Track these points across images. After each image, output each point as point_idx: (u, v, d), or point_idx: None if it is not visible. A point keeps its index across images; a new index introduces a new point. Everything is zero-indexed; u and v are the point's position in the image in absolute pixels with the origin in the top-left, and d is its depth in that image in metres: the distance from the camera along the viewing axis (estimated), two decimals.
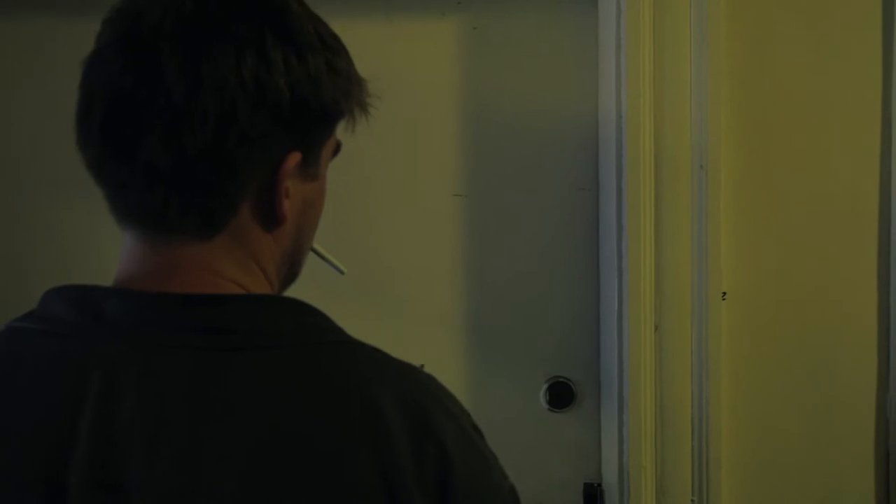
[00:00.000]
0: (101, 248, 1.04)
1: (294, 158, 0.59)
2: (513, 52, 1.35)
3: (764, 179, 1.31)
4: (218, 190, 0.58)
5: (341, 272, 0.80)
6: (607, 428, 1.40)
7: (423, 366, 0.71)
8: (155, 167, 0.56)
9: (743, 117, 1.30)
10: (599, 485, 1.41)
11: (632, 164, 1.28)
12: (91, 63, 0.59)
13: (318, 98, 0.59)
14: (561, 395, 1.40)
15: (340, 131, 0.64)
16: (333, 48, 0.61)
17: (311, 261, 0.71)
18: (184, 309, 0.58)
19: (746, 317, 1.33)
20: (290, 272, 0.66)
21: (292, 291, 0.67)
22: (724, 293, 1.31)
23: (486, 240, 1.38)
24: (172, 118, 0.55)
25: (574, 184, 1.38)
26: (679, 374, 1.32)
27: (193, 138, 0.55)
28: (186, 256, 0.59)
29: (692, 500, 1.29)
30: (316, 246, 0.71)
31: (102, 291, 0.59)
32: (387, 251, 1.37)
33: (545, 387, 1.39)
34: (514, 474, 0.64)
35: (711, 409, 1.32)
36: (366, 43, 0.88)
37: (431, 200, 1.37)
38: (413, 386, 0.60)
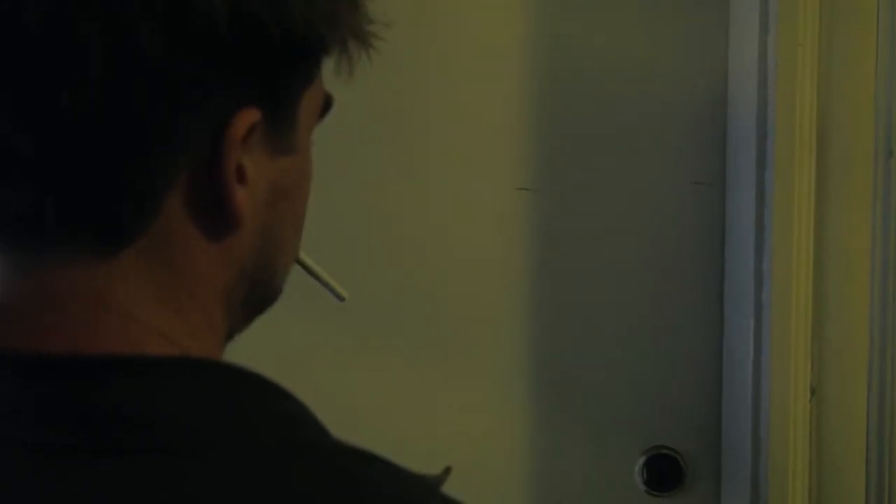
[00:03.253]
0: None
1: (247, 118, 0.50)
2: None
3: None
4: (120, 175, 0.48)
5: (341, 298, 0.76)
6: None
7: (448, 470, 0.71)
8: (9, 142, 0.47)
9: None
10: None
11: (781, 150, 1.14)
12: None
13: (278, 17, 0.49)
14: (664, 474, 1.28)
15: (329, 78, 0.56)
16: None
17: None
18: (29, 380, 0.48)
19: None
20: (255, 299, 0.57)
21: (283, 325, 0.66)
22: None
23: (560, 252, 1.30)
24: (30, 60, 0.46)
25: (688, 176, 1.28)
26: (849, 459, 1.17)
27: (67, 89, 0.46)
28: (70, 284, 0.49)
29: None
30: (304, 257, 0.67)
31: None
32: (428, 265, 1.32)
33: (642, 461, 1.29)
34: None
35: None
36: None
37: (488, 196, 1.30)
38: None
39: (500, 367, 1.31)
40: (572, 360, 1.30)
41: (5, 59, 0.47)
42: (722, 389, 1.28)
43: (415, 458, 0.53)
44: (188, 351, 0.52)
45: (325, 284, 0.75)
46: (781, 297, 1.15)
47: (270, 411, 0.51)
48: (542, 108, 1.29)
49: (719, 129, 1.27)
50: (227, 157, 0.51)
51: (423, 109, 1.32)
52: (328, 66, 0.57)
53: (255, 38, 0.50)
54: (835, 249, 1.16)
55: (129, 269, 0.51)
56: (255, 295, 0.58)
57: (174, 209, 0.51)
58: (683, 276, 1.28)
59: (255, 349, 0.63)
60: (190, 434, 0.48)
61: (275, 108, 0.53)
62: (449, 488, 0.58)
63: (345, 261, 1.24)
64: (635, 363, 1.29)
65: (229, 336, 0.58)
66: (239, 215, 0.52)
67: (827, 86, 1.14)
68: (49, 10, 0.46)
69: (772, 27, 1.14)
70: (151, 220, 0.51)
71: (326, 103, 0.60)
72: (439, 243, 1.32)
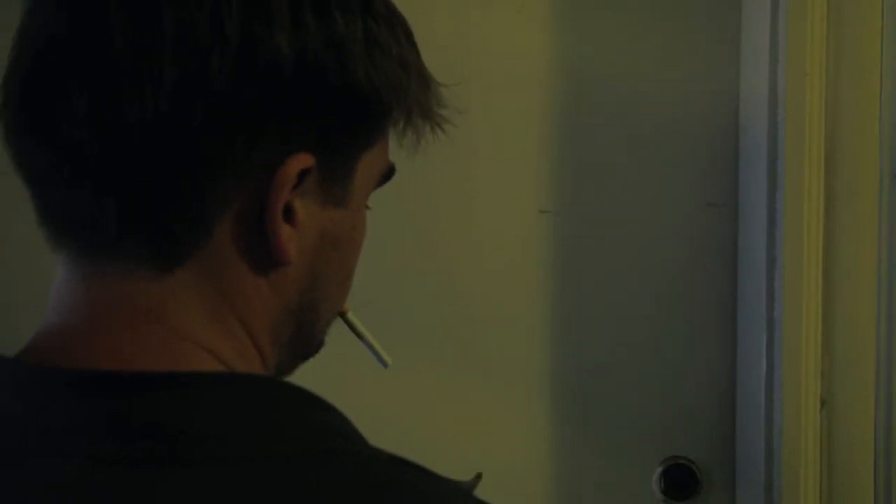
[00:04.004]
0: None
1: (300, 162, 0.51)
2: (618, 19, 1.29)
3: None
4: (177, 194, 0.49)
5: (385, 364, 0.75)
6: None
7: (479, 477, 0.70)
8: (79, 146, 0.49)
9: None
10: None
11: (791, 172, 1.14)
12: (30, 2, 0.53)
13: (342, 73, 0.51)
14: (681, 483, 1.28)
15: (395, 151, 0.58)
16: (382, 17, 0.54)
17: None
18: (91, 396, 0.48)
19: None
20: (298, 340, 0.57)
21: None
22: None
23: (579, 271, 1.31)
24: (110, 74, 0.48)
25: (702, 198, 1.29)
26: (858, 470, 1.17)
27: (136, 106, 0.48)
28: (128, 298, 0.51)
29: None
30: (352, 317, 0.68)
31: None
32: (449, 283, 1.32)
33: (660, 470, 1.28)
34: None
35: None
36: (420, 13, 0.75)
37: (510, 219, 1.31)
38: None
39: (523, 380, 1.31)
40: (592, 374, 1.31)
41: (90, 74, 0.49)
42: (736, 402, 1.28)
43: (437, 465, 0.54)
44: (235, 369, 0.53)
45: (370, 347, 0.74)
46: (792, 313, 1.15)
47: (316, 423, 0.52)
48: (562, 134, 1.30)
49: (732, 153, 1.27)
50: (277, 195, 0.51)
51: (451, 138, 1.27)
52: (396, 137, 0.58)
53: (317, 88, 0.51)
54: (843, 267, 1.16)
55: (181, 288, 0.52)
56: (300, 338, 0.58)
57: (225, 236, 0.52)
58: (698, 293, 1.29)
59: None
60: (244, 445, 0.49)
61: (330, 160, 0.53)
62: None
63: (379, 279, 1.23)
64: (653, 377, 1.29)
65: (277, 374, 0.58)
66: (284, 252, 0.52)
67: (834, 112, 1.14)
68: (133, 35, 0.48)
69: (781, 57, 1.14)
70: (203, 243, 0.51)
71: (389, 172, 0.60)
72: (469, 260, 1.33)
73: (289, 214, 0.52)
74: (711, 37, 1.25)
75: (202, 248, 0.51)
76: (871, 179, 1.14)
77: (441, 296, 1.31)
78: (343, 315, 0.67)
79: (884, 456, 1.15)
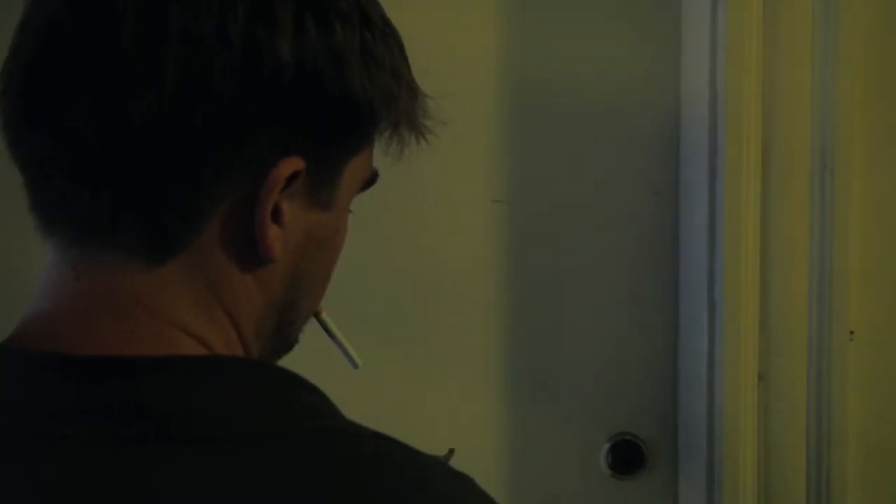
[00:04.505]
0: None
1: (291, 165, 0.51)
2: (565, 17, 1.28)
3: None
4: (172, 189, 0.49)
5: (355, 365, 0.74)
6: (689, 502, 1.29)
7: (451, 452, 0.67)
8: (81, 139, 0.49)
9: (884, 102, 1.18)
10: None
11: (731, 163, 1.15)
12: None
13: (339, 82, 0.51)
14: (627, 458, 1.30)
15: (378, 156, 0.58)
16: (379, 30, 0.54)
17: None
18: (83, 380, 0.49)
19: (882, 364, 1.21)
20: (280, 335, 0.58)
21: None
22: (852, 332, 1.20)
23: (532, 258, 1.32)
24: (115, 71, 0.48)
25: (647, 187, 1.29)
26: (791, 439, 1.19)
27: (140, 103, 0.48)
28: (120, 287, 0.51)
29: None
30: (326, 318, 0.68)
31: None
32: (407, 271, 1.32)
33: (607, 447, 1.30)
34: None
35: (835, 487, 1.18)
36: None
37: (465, 208, 1.31)
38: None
39: (477, 361, 1.31)
40: (545, 354, 1.31)
41: (95, 69, 0.48)
42: (679, 379, 1.29)
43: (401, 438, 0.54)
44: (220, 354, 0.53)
45: (342, 347, 0.73)
46: (731, 294, 1.17)
47: (301, 402, 0.52)
48: (513, 127, 1.29)
49: (674, 145, 1.28)
50: (268, 196, 0.51)
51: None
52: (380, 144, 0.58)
53: (314, 95, 0.51)
54: (778, 251, 1.17)
55: (171, 280, 0.52)
56: (281, 333, 0.58)
57: (216, 232, 0.52)
58: (643, 277, 1.30)
59: None
60: (232, 424, 0.49)
61: (318, 164, 0.53)
62: None
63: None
64: (600, 357, 1.30)
65: None
66: (270, 251, 0.52)
67: (770, 107, 1.16)
68: (140, 33, 0.48)
69: (720, 54, 1.16)
70: (194, 237, 0.51)
71: (372, 177, 0.60)
72: (424, 248, 1.32)
73: (277, 215, 0.52)
74: (654, 34, 1.26)
75: (193, 242, 0.51)
76: (803, 170, 1.16)
77: (397, 282, 1.30)
78: (317, 315, 0.67)
79: (815, 427, 1.18)
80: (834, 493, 1.18)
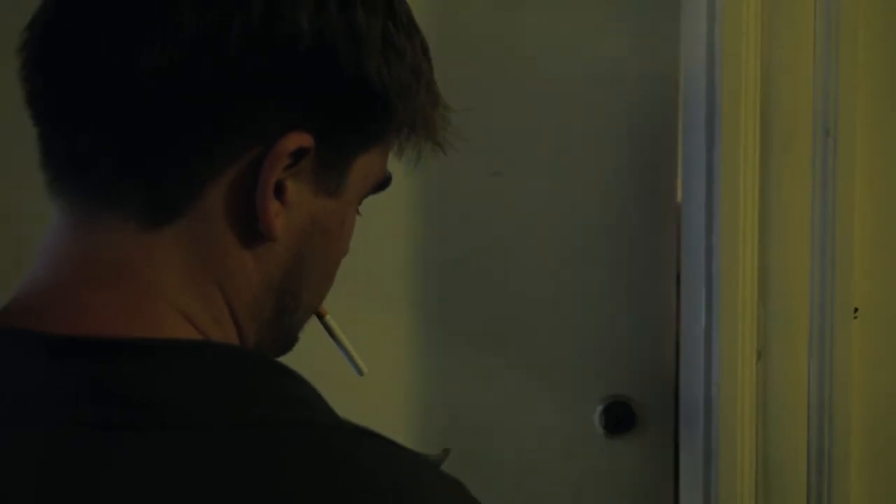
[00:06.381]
0: None
1: (298, 139, 0.50)
2: None
3: None
4: (174, 146, 0.49)
5: (360, 372, 0.72)
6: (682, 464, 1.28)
7: (446, 452, 0.70)
8: (88, 87, 0.49)
9: (889, 65, 1.16)
10: None
11: (728, 131, 1.14)
12: None
13: (355, 62, 0.51)
14: (619, 418, 1.35)
15: (392, 161, 0.58)
16: (403, 24, 0.54)
17: None
18: (63, 362, 0.48)
19: (886, 341, 1.19)
20: (280, 324, 0.56)
21: None
22: (856, 309, 1.18)
23: (529, 228, 1.33)
24: (131, 17, 0.48)
25: (643, 158, 1.29)
26: (792, 419, 1.18)
27: (151, 52, 0.48)
28: (111, 251, 0.50)
29: None
30: (329, 319, 0.66)
31: None
32: (404, 242, 1.33)
33: (600, 408, 1.33)
34: None
35: (836, 468, 1.16)
36: None
37: (463, 181, 1.31)
38: None
39: (474, 323, 1.32)
40: (538, 322, 1.32)
41: (113, 14, 0.49)
42: (680, 352, 1.28)
43: (400, 419, 0.53)
44: (209, 335, 0.52)
45: (346, 352, 0.72)
46: (729, 268, 1.15)
47: (285, 392, 0.51)
48: (513, 100, 1.29)
49: (670, 111, 1.26)
50: (271, 168, 0.51)
51: None
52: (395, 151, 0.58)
53: (328, 71, 0.51)
54: (777, 224, 1.16)
55: (165, 246, 0.51)
56: (281, 322, 0.57)
57: (216, 202, 0.51)
58: (643, 248, 1.30)
59: None
60: (212, 412, 0.48)
61: (328, 147, 0.53)
62: (431, 442, 0.59)
63: None
64: (602, 328, 1.31)
65: None
66: (270, 226, 0.52)
67: (769, 73, 1.13)
68: None
69: (718, 19, 1.14)
70: (193, 203, 0.51)
71: (385, 181, 0.59)
72: (430, 214, 1.32)
73: (280, 192, 0.52)
74: (653, 2, 1.25)
75: (192, 208, 0.51)
76: (804, 138, 1.14)
77: (380, 248, 1.30)
78: (321, 317, 0.65)
79: (816, 405, 1.16)
80: (836, 471, 1.17)
